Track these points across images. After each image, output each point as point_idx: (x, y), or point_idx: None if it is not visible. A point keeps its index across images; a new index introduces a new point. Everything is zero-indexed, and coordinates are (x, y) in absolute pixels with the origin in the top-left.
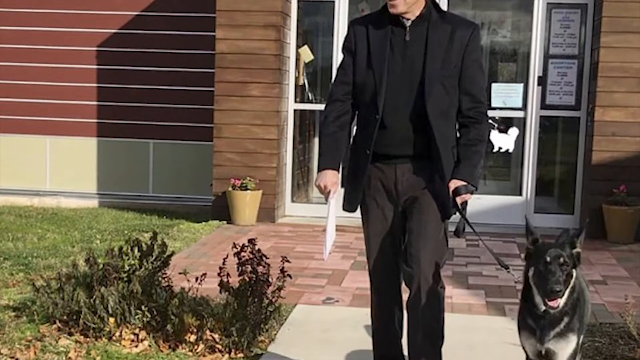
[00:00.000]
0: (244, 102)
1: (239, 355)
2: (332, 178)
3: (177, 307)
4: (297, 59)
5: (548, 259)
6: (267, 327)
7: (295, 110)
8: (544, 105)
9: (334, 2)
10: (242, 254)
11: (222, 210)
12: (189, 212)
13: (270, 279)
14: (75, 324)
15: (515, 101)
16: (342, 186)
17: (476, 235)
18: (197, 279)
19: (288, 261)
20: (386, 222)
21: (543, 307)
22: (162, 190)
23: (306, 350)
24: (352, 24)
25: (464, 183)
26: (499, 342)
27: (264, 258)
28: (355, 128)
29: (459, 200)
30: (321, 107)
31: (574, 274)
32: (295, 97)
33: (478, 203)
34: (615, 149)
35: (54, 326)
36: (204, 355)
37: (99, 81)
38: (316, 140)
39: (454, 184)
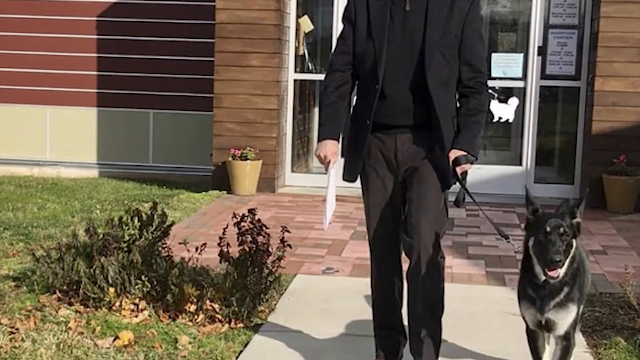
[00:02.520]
0: (244, 72)
1: (239, 325)
2: (332, 148)
3: (177, 277)
4: (297, 29)
5: (548, 229)
6: (267, 297)
7: (295, 80)
8: (544, 75)
9: None
10: (242, 224)
11: (222, 180)
12: (189, 182)
13: (270, 249)
14: (75, 294)
15: (515, 71)
16: (342, 156)
17: (476, 205)
18: (197, 249)
19: (288, 231)
20: (386, 192)
21: (543, 277)
22: (162, 160)
23: (306, 320)
24: None
25: (464, 153)
26: (499, 312)
27: (264, 228)
28: (355, 98)
29: (459, 170)
30: (321, 77)
31: (574, 244)
32: (295, 67)
33: (478, 173)
34: (615, 118)
35: (54, 296)
36: (204, 325)
37: (99, 51)
38: (316, 110)
39: (454, 153)
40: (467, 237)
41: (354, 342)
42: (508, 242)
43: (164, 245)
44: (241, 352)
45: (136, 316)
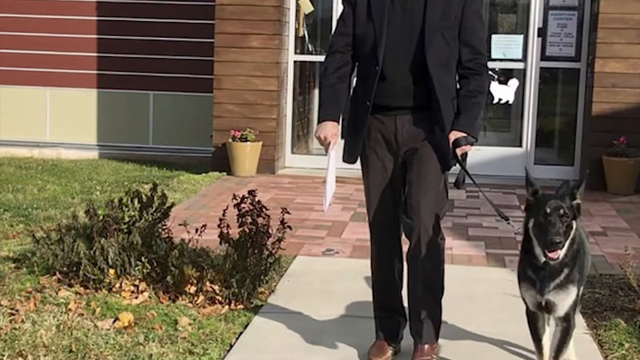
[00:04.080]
0: (244, 53)
1: (239, 306)
2: (332, 129)
3: (177, 258)
4: (297, 11)
5: (548, 210)
6: (267, 278)
7: (295, 62)
8: (544, 57)
9: None
10: (242, 205)
11: (222, 162)
12: (189, 163)
13: (270, 231)
14: (75, 276)
15: (515, 52)
16: (342, 138)
17: (476, 186)
18: (197, 230)
19: (288, 212)
20: (386, 173)
21: (543, 259)
22: (162, 141)
23: (306, 301)
24: None
25: (464, 134)
26: (499, 293)
27: (264, 209)
28: (355, 79)
29: (459, 151)
30: (321, 58)
31: (574, 226)
32: (295, 48)
33: (478, 154)
34: (615, 100)
35: (54, 277)
36: (204, 307)
37: (99, 32)
38: (316, 91)
39: (454, 135)
40: (467, 218)
41: (354, 324)
42: (508, 223)
43: (164, 227)
44: (241, 333)
45: (136, 297)
